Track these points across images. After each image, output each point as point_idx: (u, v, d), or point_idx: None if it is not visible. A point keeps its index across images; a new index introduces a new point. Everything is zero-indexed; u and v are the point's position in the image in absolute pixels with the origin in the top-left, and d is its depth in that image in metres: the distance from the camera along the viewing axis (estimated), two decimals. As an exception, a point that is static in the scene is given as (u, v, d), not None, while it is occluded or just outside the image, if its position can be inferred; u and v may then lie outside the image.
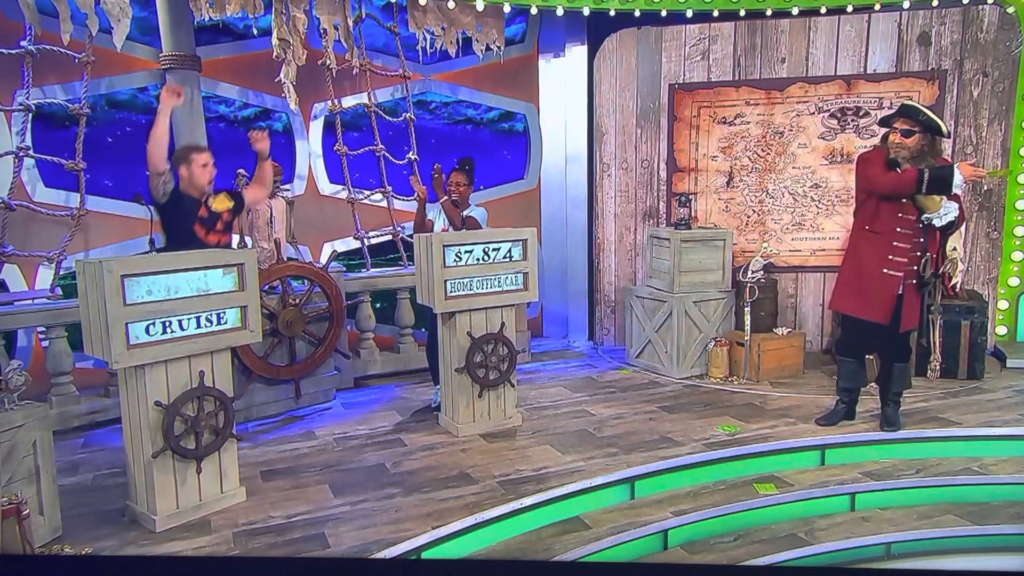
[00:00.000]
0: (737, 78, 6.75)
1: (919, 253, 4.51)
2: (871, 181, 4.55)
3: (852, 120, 6.60)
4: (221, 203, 4.54)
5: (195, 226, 4.41)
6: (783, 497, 4.31)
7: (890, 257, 4.53)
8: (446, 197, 5.30)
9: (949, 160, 4.75)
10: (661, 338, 6.25)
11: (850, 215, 6.20)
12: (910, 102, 4.55)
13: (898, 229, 4.51)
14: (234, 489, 3.98)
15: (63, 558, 3.29)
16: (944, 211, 4.38)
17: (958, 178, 4.29)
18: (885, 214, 4.53)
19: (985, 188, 6.45)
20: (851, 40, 6.52)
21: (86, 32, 5.05)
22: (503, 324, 4.97)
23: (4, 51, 4.91)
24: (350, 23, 6.06)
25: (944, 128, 4.40)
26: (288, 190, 6.01)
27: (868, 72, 6.52)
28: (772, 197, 6.81)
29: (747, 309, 5.96)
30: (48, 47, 5.01)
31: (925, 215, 4.44)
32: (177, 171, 4.39)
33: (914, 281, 4.55)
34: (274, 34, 5.65)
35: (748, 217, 6.87)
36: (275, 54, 5.69)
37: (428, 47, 6.39)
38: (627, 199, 7.15)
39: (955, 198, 4.43)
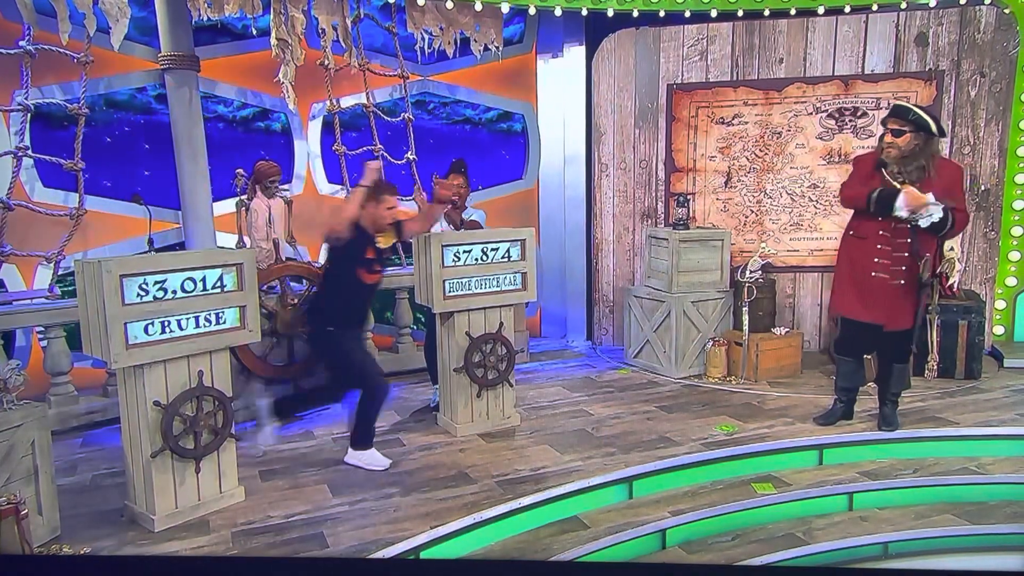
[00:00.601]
0: (735, 78, 6.76)
1: (907, 254, 4.48)
2: (841, 188, 4.76)
3: (850, 120, 6.61)
4: (387, 240, 4.59)
5: (359, 270, 4.40)
6: (781, 497, 4.32)
7: (875, 260, 4.56)
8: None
9: (947, 159, 4.73)
10: (659, 338, 6.26)
11: (847, 215, 6.20)
12: (902, 102, 4.56)
13: (880, 232, 4.52)
14: (233, 489, 3.98)
15: (62, 558, 3.29)
16: (928, 212, 4.33)
17: (899, 201, 4.33)
18: (868, 216, 4.56)
19: (982, 188, 6.46)
20: (849, 40, 6.54)
21: (84, 32, 5.05)
22: (501, 324, 4.97)
23: (2, 51, 4.91)
24: (348, 23, 6.06)
25: (934, 126, 4.38)
26: (287, 190, 6.01)
27: (866, 72, 6.53)
28: (770, 197, 6.82)
29: (745, 309, 5.97)
30: (46, 47, 5.01)
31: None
32: (364, 206, 4.36)
33: (902, 282, 4.53)
34: (273, 34, 5.65)
35: (746, 217, 6.88)
36: (273, 54, 5.69)
37: (426, 47, 6.39)
38: (625, 199, 7.15)
39: (957, 200, 4.42)
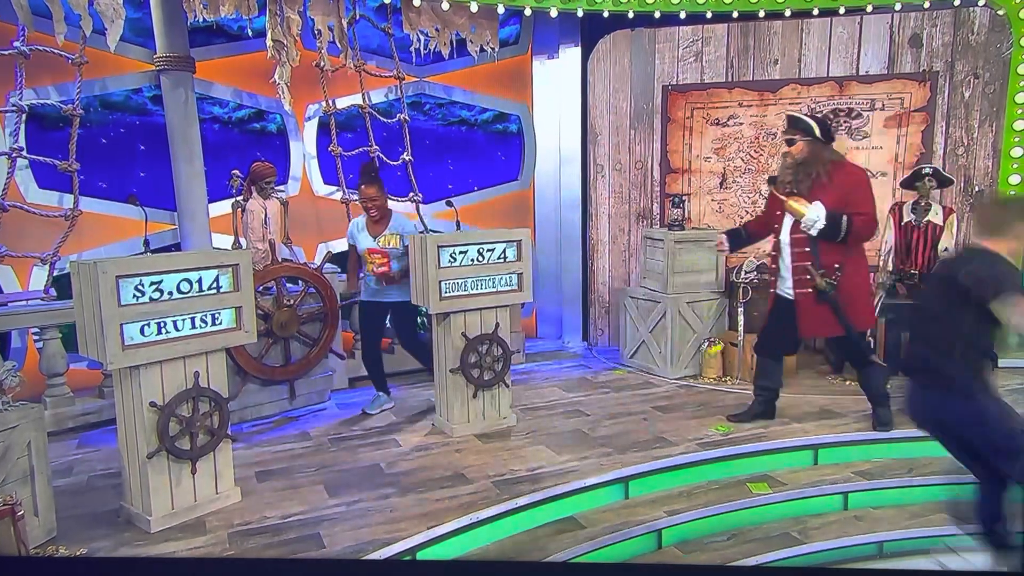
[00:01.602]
0: (730, 79, 6.78)
1: (809, 263, 4.51)
2: None
3: (844, 121, 6.63)
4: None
5: None
6: (776, 496, 4.34)
7: (772, 265, 4.79)
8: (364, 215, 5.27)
9: (852, 166, 4.68)
10: (655, 339, 6.27)
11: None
12: (795, 112, 4.69)
13: (772, 239, 4.79)
14: (229, 490, 3.98)
15: (58, 559, 3.29)
16: (808, 221, 4.43)
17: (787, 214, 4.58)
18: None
19: (976, 190, 6.49)
20: (843, 42, 6.56)
21: (80, 33, 5.04)
22: (497, 325, 4.98)
23: (-3, 52, 4.91)
24: (344, 24, 6.06)
25: (818, 131, 4.45)
26: (283, 191, 6.01)
27: (860, 74, 6.56)
28: (765, 198, 6.82)
29: (740, 310, 5.99)
30: (41, 48, 5.00)
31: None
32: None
33: (810, 290, 4.54)
34: (268, 35, 5.65)
35: (741, 218, 6.89)
36: (269, 55, 5.69)
37: (422, 48, 6.39)
38: (621, 200, 7.17)
39: (858, 206, 4.43)
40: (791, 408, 5.32)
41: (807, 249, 4.53)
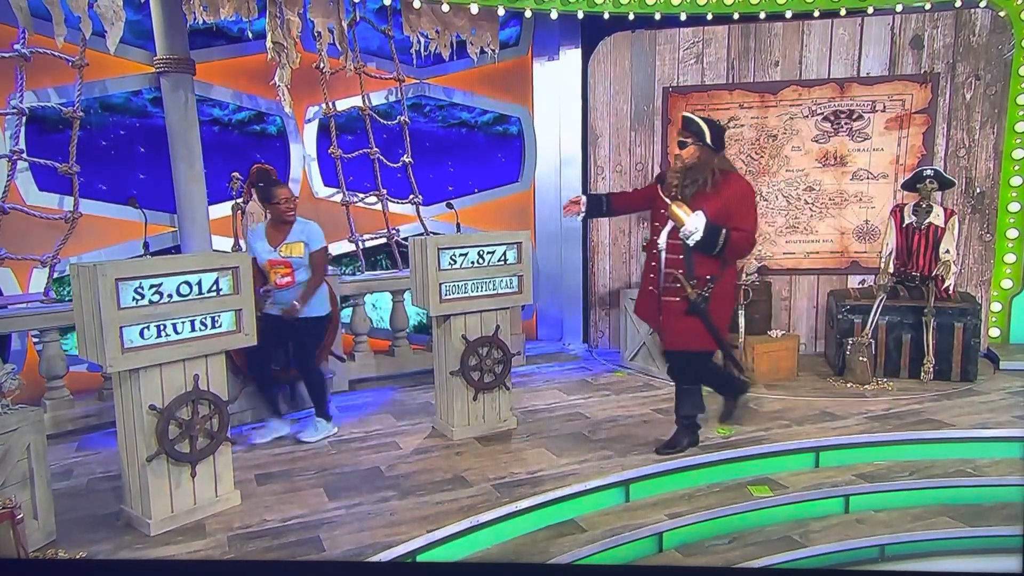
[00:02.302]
0: (731, 81, 6.77)
1: (681, 271, 4.23)
2: None
3: (845, 123, 6.63)
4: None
5: None
6: (777, 499, 4.33)
7: (651, 275, 4.45)
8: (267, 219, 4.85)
9: (738, 177, 4.35)
10: (656, 341, 6.25)
11: (843, 218, 6.22)
12: (689, 113, 4.35)
13: (655, 247, 4.40)
14: (229, 493, 3.97)
15: (57, 562, 3.28)
16: (686, 231, 4.13)
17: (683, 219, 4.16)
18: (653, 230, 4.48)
19: (978, 191, 6.48)
20: (844, 43, 6.56)
21: (80, 35, 5.04)
22: (498, 327, 4.97)
23: (-3, 54, 4.90)
24: (344, 26, 6.06)
25: (709, 136, 4.18)
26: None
27: (861, 75, 6.55)
28: (766, 200, 6.83)
29: (741, 312, 5.97)
30: (41, 50, 5.00)
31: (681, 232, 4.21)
32: None
33: (678, 299, 4.26)
34: (268, 37, 5.64)
35: (742, 220, 6.89)
36: (269, 57, 5.69)
37: (422, 50, 6.39)
38: (622, 202, 7.15)
39: (738, 220, 4.17)
40: (792, 411, 5.31)
41: (681, 257, 4.25)
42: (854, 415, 5.15)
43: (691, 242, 4.16)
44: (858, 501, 4.41)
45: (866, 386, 5.76)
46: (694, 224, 4.12)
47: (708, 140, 4.19)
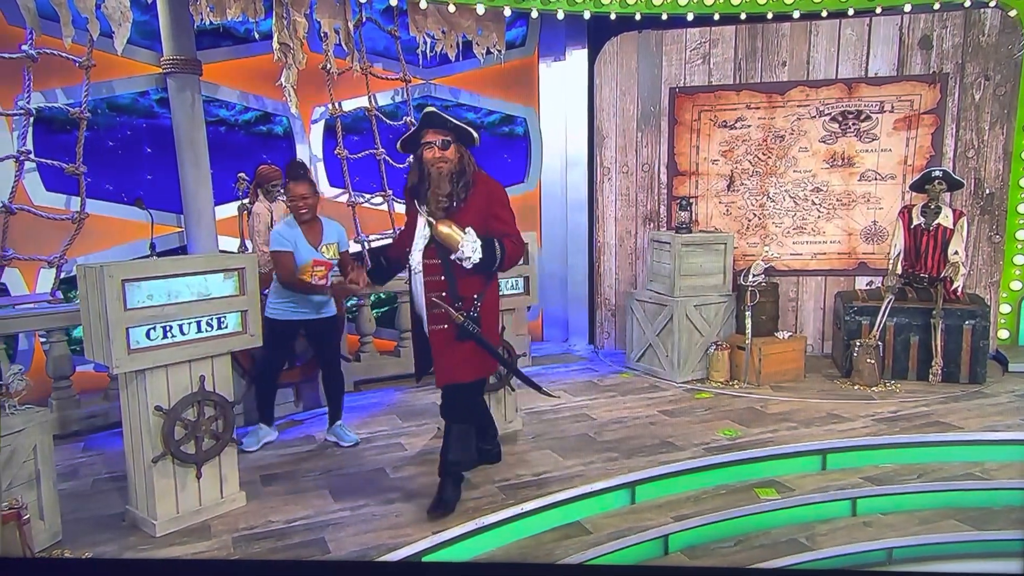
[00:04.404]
0: (738, 81, 6.75)
1: (445, 293, 3.65)
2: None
3: (853, 124, 6.60)
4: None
5: None
6: (784, 502, 4.30)
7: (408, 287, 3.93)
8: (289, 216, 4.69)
9: (483, 175, 3.80)
10: (662, 342, 6.24)
11: (851, 219, 6.20)
12: (432, 108, 3.67)
13: (417, 269, 3.77)
14: (234, 494, 3.97)
15: (63, 562, 3.28)
16: (463, 254, 3.57)
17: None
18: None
19: (987, 192, 6.44)
20: (852, 44, 6.53)
21: (87, 36, 5.05)
22: (503, 328, 4.95)
23: (5, 56, 4.92)
24: (351, 27, 6.06)
25: (476, 134, 3.69)
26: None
27: (869, 75, 6.52)
28: (773, 201, 6.81)
29: (748, 313, 5.95)
30: (49, 51, 5.02)
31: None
32: None
33: (445, 326, 3.66)
34: (275, 38, 5.65)
35: (749, 221, 6.87)
36: (275, 58, 5.69)
37: (429, 51, 6.39)
38: (628, 203, 7.15)
39: (503, 222, 3.66)
40: (799, 413, 5.29)
41: (442, 277, 3.64)
42: (861, 417, 5.13)
43: (468, 265, 3.58)
44: (865, 504, 4.38)
45: (873, 388, 5.74)
46: (471, 246, 3.54)
47: (476, 137, 3.69)
